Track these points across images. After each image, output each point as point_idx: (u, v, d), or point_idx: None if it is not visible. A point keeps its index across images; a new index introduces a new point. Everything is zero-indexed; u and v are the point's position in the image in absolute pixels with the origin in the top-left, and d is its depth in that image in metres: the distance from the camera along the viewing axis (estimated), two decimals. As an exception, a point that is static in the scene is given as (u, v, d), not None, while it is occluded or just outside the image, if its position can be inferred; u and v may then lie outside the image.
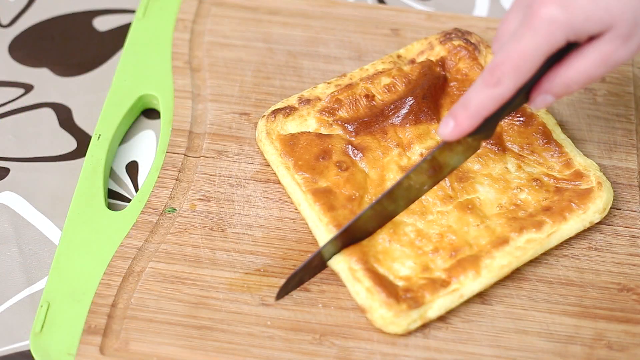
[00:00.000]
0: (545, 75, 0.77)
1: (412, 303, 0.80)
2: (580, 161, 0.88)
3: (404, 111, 0.90)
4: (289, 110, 0.91)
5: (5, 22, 1.04)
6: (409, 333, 0.80)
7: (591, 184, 0.87)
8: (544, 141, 0.89)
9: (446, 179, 0.86)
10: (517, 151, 0.89)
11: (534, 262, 0.85)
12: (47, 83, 0.99)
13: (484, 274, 0.81)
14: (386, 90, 0.92)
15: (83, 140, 0.95)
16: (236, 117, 0.94)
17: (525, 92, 0.78)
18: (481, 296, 0.83)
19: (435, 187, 0.86)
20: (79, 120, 0.97)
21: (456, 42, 0.96)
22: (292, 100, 0.92)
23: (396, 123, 0.90)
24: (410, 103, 0.90)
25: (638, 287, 0.84)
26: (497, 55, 0.76)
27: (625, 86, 0.98)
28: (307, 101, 0.91)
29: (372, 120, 0.90)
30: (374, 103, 0.91)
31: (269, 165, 0.90)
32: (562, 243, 0.85)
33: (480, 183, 0.87)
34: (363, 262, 0.81)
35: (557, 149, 0.89)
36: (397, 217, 0.84)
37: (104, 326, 0.80)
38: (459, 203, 0.86)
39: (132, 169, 0.93)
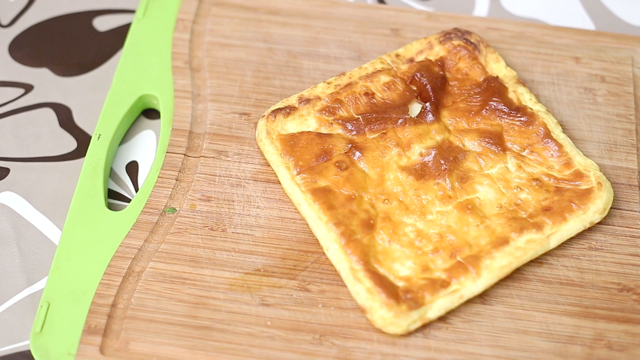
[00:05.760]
0: None
1: (412, 304, 0.80)
2: (580, 161, 0.88)
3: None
4: (289, 110, 0.91)
5: (5, 22, 1.04)
6: (409, 333, 0.80)
7: (591, 184, 0.87)
8: (544, 141, 0.89)
9: (446, 178, 0.86)
10: (517, 151, 0.89)
11: (534, 262, 0.85)
12: (47, 83, 0.99)
13: (484, 275, 0.81)
14: (386, 89, 0.92)
15: (83, 140, 0.95)
16: (236, 117, 0.93)
17: None
18: (481, 296, 0.83)
19: (435, 187, 0.86)
20: (79, 120, 0.97)
21: (456, 42, 0.96)
22: (292, 100, 0.92)
23: (396, 123, 0.90)
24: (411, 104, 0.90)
25: (638, 287, 0.84)
26: None
27: (625, 86, 0.98)
28: (307, 101, 0.91)
29: (373, 117, 0.90)
30: (374, 101, 0.91)
31: (269, 165, 0.90)
32: (562, 243, 0.85)
33: (480, 183, 0.87)
34: (364, 262, 0.81)
35: (557, 148, 0.89)
36: (397, 217, 0.84)
37: (104, 326, 0.80)
38: (459, 203, 0.86)
39: (132, 169, 0.93)
